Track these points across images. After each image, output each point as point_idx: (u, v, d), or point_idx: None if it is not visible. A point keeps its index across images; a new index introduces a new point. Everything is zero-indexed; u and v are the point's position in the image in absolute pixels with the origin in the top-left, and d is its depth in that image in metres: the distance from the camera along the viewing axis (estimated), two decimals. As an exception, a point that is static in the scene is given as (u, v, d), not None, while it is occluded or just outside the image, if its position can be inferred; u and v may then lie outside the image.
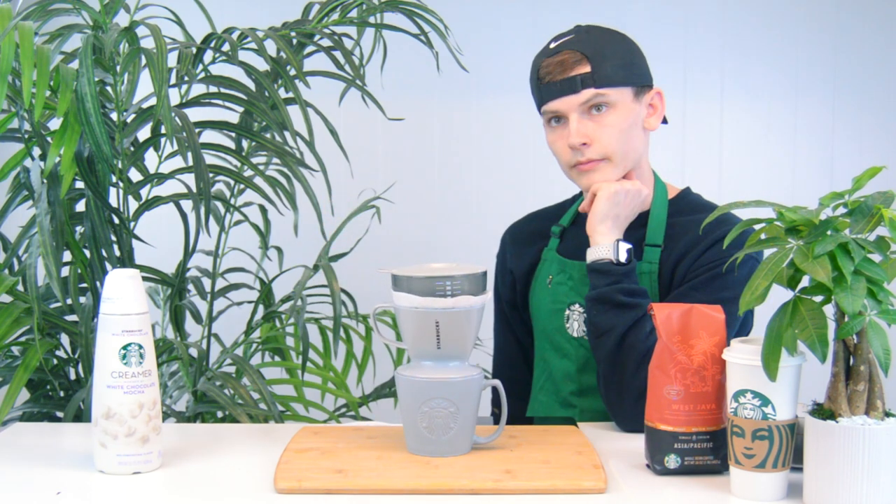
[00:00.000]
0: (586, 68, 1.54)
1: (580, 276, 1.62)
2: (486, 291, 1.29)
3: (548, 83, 1.56)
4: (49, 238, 1.78)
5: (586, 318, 1.55)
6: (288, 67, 2.05)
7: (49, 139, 1.91)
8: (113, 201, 1.95)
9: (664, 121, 1.67)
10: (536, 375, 1.71)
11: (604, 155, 1.56)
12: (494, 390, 1.39)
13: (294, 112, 2.08)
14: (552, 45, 1.59)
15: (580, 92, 1.54)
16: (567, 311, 1.63)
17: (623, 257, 1.52)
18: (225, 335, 2.47)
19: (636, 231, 1.62)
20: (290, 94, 2.03)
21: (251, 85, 2.05)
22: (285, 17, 2.16)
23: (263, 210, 2.38)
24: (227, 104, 2.02)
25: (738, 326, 1.55)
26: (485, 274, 1.29)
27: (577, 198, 1.76)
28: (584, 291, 1.60)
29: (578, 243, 1.67)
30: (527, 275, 1.73)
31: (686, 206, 1.65)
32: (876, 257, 1.08)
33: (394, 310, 1.31)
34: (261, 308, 2.31)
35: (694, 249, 1.56)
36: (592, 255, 1.55)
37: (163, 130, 1.91)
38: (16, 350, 1.97)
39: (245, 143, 2.16)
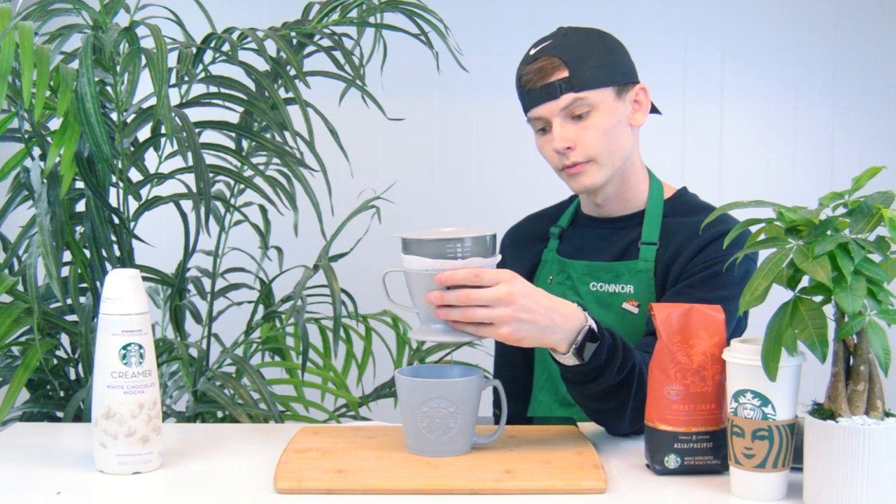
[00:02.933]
0: (564, 73, 1.55)
1: (578, 275, 1.63)
2: (496, 254, 1.29)
3: (529, 90, 1.58)
4: (49, 238, 1.78)
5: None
6: (288, 67, 2.05)
7: (49, 139, 1.91)
8: (113, 201, 1.94)
9: (657, 111, 1.67)
10: (537, 376, 1.71)
11: (588, 157, 1.57)
12: (495, 390, 1.39)
13: (294, 112, 2.08)
14: (532, 52, 1.60)
15: (560, 97, 1.55)
16: None
17: (588, 354, 1.33)
18: (225, 335, 2.47)
19: (632, 230, 1.63)
20: (290, 94, 2.03)
21: (251, 85, 2.05)
22: (285, 17, 2.16)
23: (263, 210, 2.38)
24: (227, 104, 2.02)
25: (735, 325, 1.55)
26: (494, 237, 1.29)
27: (575, 198, 1.77)
28: (583, 290, 1.62)
29: (578, 243, 1.68)
30: (528, 277, 1.73)
31: (682, 205, 1.65)
32: (876, 257, 1.08)
33: (404, 274, 1.30)
34: (261, 308, 2.31)
35: (689, 247, 1.56)
36: (561, 360, 1.36)
37: (163, 130, 1.91)
38: (16, 350, 1.97)
39: (245, 143, 2.16)
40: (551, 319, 1.28)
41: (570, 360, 1.33)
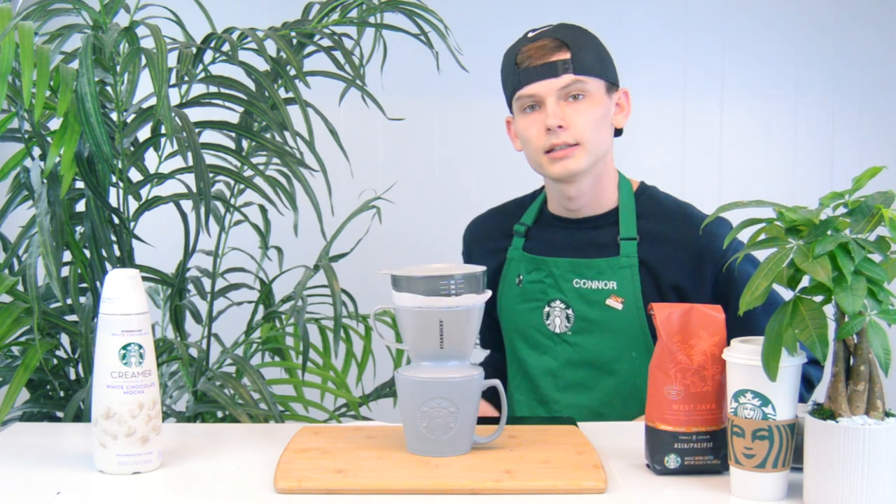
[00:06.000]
0: (566, 55, 1.56)
1: (562, 272, 1.63)
2: (485, 291, 1.30)
3: (527, 67, 1.58)
4: (49, 238, 1.78)
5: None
6: (288, 67, 2.04)
7: (49, 139, 1.91)
8: (113, 201, 1.94)
9: (620, 133, 1.69)
10: (511, 375, 1.71)
11: (577, 140, 1.58)
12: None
13: (294, 112, 2.08)
14: (530, 35, 1.61)
15: (560, 76, 1.56)
16: (547, 308, 1.64)
17: None
18: (225, 335, 2.47)
19: (609, 228, 1.64)
20: (290, 94, 2.03)
21: (251, 85, 2.05)
22: (285, 17, 2.16)
23: (263, 210, 2.38)
24: (227, 104, 2.02)
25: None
26: (484, 273, 1.30)
27: (537, 195, 1.77)
28: (566, 287, 1.63)
29: (549, 242, 1.68)
30: (494, 274, 1.73)
31: (653, 206, 1.67)
32: (876, 257, 1.08)
33: (394, 311, 1.31)
34: (261, 308, 2.31)
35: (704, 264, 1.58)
36: None
37: (163, 130, 1.91)
38: (16, 350, 1.97)
39: (245, 143, 2.16)
40: None
41: None
